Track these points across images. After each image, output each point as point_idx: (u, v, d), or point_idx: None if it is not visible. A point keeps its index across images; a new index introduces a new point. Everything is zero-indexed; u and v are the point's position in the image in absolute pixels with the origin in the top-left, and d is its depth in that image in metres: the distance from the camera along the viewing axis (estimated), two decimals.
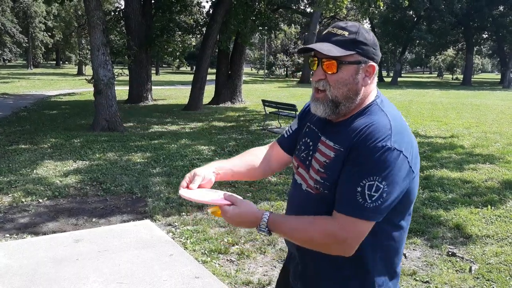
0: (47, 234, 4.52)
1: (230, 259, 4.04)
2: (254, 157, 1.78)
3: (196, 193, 1.51)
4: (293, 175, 1.61)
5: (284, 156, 1.75)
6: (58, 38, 52.55)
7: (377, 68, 1.44)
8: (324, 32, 1.45)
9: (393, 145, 1.29)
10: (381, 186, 1.27)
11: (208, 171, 1.61)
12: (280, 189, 6.11)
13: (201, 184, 1.56)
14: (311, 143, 1.53)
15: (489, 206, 5.53)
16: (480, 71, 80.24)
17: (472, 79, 48.14)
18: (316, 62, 1.43)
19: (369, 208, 1.29)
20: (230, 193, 1.49)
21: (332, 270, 1.47)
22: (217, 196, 1.49)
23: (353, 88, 1.41)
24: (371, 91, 1.46)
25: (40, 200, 5.53)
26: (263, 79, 46.68)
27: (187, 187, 1.54)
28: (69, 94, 22.67)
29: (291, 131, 1.72)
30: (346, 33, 1.39)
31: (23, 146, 8.70)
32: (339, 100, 1.42)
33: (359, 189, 1.29)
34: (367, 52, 1.40)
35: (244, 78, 22.81)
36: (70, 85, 29.02)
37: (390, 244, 1.45)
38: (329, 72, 1.41)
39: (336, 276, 1.47)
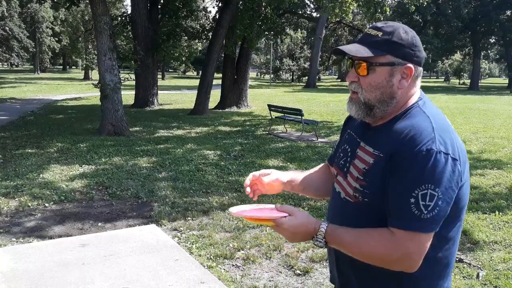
0: (53, 238, 4.53)
1: (236, 264, 4.02)
2: (321, 179, 1.70)
3: (248, 210, 1.46)
4: (332, 184, 1.55)
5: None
6: (65, 43, 52.84)
7: (416, 69, 1.36)
8: (363, 33, 1.39)
9: (439, 147, 1.21)
10: (435, 193, 1.20)
11: (284, 178, 1.61)
12: (286, 194, 6.09)
13: (269, 182, 1.58)
14: (349, 149, 1.46)
15: (496, 212, 5.49)
16: (487, 76, 79.85)
17: (479, 84, 47.92)
18: (350, 63, 1.39)
19: (427, 219, 1.21)
20: (283, 204, 1.43)
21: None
22: (268, 209, 1.43)
23: (387, 91, 1.34)
24: (413, 94, 1.38)
25: (47, 205, 5.54)
26: (269, 83, 46.73)
27: (258, 180, 1.54)
28: (75, 98, 22.80)
29: (335, 146, 1.65)
30: (380, 34, 1.33)
31: (29, 150, 8.75)
32: (373, 103, 1.35)
33: (412, 200, 1.20)
34: (402, 53, 1.32)
35: (250, 82, 22.84)
36: (76, 90, 29.18)
37: (439, 257, 1.35)
38: (361, 74, 1.35)
39: None
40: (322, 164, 1.79)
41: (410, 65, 1.33)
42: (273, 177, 1.58)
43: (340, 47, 1.37)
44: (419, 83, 1.40)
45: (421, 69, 1.38)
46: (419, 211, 1.20)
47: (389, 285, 1.38)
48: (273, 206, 1.45)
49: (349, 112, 1.44)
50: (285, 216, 1.36)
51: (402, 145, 1.25)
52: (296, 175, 1.68)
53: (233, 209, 1.46)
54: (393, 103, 1.35)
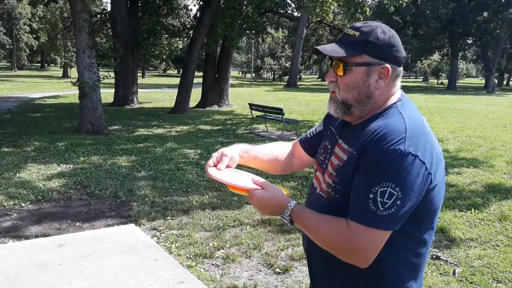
0: (30, 238, 4.45)
1: (215, 264, 4.01)
2: (279, 150, 1.76)
3: (225, 174, 1.48)
4: (313, 178, 1.58)
5: (305, 156, 1.71)
6: (43, 40, 52.01)
7: (395, 69, 1.35)
8: (342, 33, 1.40)
9: (407, 149, 1.20)
10: (395, 192, 1.19)
11: (235, 152, 1.60)
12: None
13: (227, 164, 1.55)
14: (329, 146, 1.47)
15: (473, 210, 5.59)
16: (464, 76, 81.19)
17: (457, 84, 48.74)
18: (330, 63, 1.40)
19: (381, 216, 1.21)
20: (259, 177, 1.46)
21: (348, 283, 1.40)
22: (245, 179, 1.47)
23: (364, 91, 1.34)
24: (392, 94, 1.38)
25: (23, 204, 5.45)
26: (250, 82, 46.73)
27: (215, 167, 1.51)
28: (53, 96, 22.46)
29: (314, 132, 1.68)
30: (357, 34, 1.33)
31: (5, 149, 8.58)
32: (350, 103, 1.36)
33: (371, 195, 1.21)
34: (379, 53, 1.32)
35: (231, 81, 22.81)
36: (55, 88, 28.75)
37: (409, 259, 1.35)
38: (338, 74, 1.36)
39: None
40: (288, 142, 1.82)
41: (387, 65, 1.33)
42: (227, 160, 1.57)
43: (318, 47, 1.37)
44: (398, 83, 1.40)
45: (400, 69, 1.38)
46: (375, 207, 1.21)
47: (358, 285, 1.38)
48: (251, 175, 1.49)
49: (329, 111, 1.45)
50: (258, 189, 1.40)
51: (371, 143, 1.25)
52: (247, 148, 1.69)
53: (212, 171, 1.49)
54: (370, 103, 1.35)
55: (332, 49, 1.35)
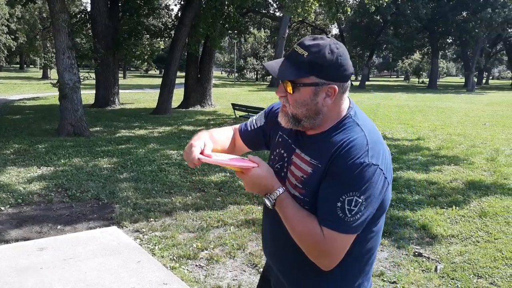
0: (10, 242, 4.37)
1: (199, 265, 4.00)
2: (227, 136, 1.78)
3: (218, 157, 1.51)
4: None
5: (244, 146, 1.77)
6: (22, 41, 51.14)
7: (342, 86, 1.39)
8: (291, 48, 1.41)
9: (370, 161, 1.31)
10: (360, 200, 1.30)
11: (209, 141, 1.59)
12: (250, 193, 6.09)
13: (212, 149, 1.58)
14: (285, 155, 1.52)
15: (453, 207, 5.66)
16: (445, 75, 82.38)
17: (437, 83, 49.40)
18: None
19: (349, 222, 1.31)
20: (255, 156, 1.50)
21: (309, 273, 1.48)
22: (240, 160, 1.51)
23: (312, 109, 1.39)
24: (341, 106, 1.42)
25: (2, 208, 5.35)
26: (233, 82, 46.68)
27: (202, 153, 1.50)
28: (33, 98, 22.12)
29: (255, 126, 1.72)
30: (306, 54, 1.35)
31: None
32: (300, 117, 1.42)
33: (339, 204, 1.31)
34: (326, 75, 1.36)
35: (214, 81, 22.75)
36: (34, 89, 28.33)
37: (365, 248, 1.47)
38: (288, 91, 1.40)
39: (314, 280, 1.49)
40: (231, 127, 1.83)
41: (333, 85, 1.37)
42: (211, 146, 1.56)
43: (267, 65, 1.41)
44: (346, 95, 1.44)
45: (348, 83, 1.42)
46: (343, 214, 1.31)
47: (307, 275, 1.48)
48: (239, 158, 1.55)
49: (281, 123, 1.49)
50: (255, 166, 1.46)
51: (338, 157, 1.34)
52: (208, 136, 1.66)
53: (205, 158, 1.47)
54: (319, 118, 1.41)
55: (281, 70, 1.38)
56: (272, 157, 1.60)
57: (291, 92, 1.39)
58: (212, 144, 1.58)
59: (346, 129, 1.39)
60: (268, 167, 1.48)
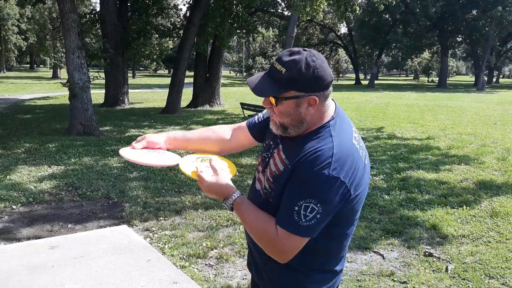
0: (22, 241, 4.42)
1: (209, 264, 4.01)
2: (211, 132, 1.91)
3: (137, 154, 1.65)
4: (255, 171, 1.73)
5: (250, 139, 1.85)
6: (32, 41, 51.56)
7: (323, 94, 1.46)
8: (271, 63, 1.49)
9: (331, 173, 1.38)
10: (316, 208, 1.39)
11: (160, 138, 1.82)
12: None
13: (146, 146, 1.76)
14: (272, 146, 1.62)
15: (464, 207, 5.62)
16: (455, 74, 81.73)
17: (447, 82, 49.00)
18: None
19: (303, 226, 1.41)
20: (216, 164, 1.64)
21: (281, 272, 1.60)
22: (169, 158, 1.66)
23: (296, 118, 1.48)
24: (324, 112, 1.50)
25: (14, 207, 5.40)
26: (241, 82, 46.69)
27: (133, 147, 1.70)
28: (43, 98, 22.29)
29: (262, 118, 1.81)
30: (283, 70, 1.42)
31: None
32: (286, 126, 1.51)
33: (296, 208, 1.40)
34: (304, 88, 1.43)
35: (222, 81, 22.78)
36: (44, 89, 28.53)
37: (330, 247, 1.59)
38: (272, 103, 1.49)
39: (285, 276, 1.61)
40: (227, 126, 1.95)
41: (313, 96, 1.45)
42: (144, 143, 1.79)
43: (249, 82, 1.50)
44: (329, 101, 1.52)
45: (328, 90, 1.48)
46: (298, 218, 1.41)
47: (281, 271, 1.59)
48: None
49: (272, 129, 1.59)
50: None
51: (302, 162, 1.43)
52: (177, 134, 1.90)
53: (123, 152, 1.68)
54: (304, 126, 1.50)
55: (262, 88, 1.47)
56: (264, 145, 1.70)
57: (275, 105, 1.49)
58: (160, 143, 1.80)
59: (319, 138, 1.47)
60: (223, 176, 1.59)
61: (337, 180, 1.39)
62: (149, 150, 1.71)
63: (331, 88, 1.50)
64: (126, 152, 1.63)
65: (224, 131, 1.91)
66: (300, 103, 1.45)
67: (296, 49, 1.47)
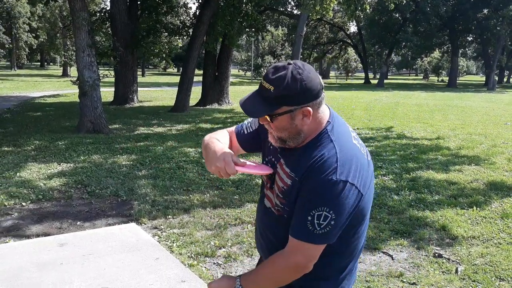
0: (31, 238, 4.44)
1: (217, 262, 4.00)
2: (227, 140, 1.83)
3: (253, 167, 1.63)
4: (262, 187, 1.75)
5: (240, 148, 1.83)
6: (42, 39, 51.91)
7: (314, 104, 1.46)
8: (260, 82, 1.49)
9: (339, 177, 1.40)
10: (329, 215, 1.40)
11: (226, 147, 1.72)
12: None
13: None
14: (275, 162, 1.62)
15: (474, 207, 5.57)
16: (465, 73, 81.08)
17: (457, 81, 48.64)
18: None
19: (318, 235, 1.42)
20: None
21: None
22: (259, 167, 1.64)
23: (293, 131, 1.49)
24: (319, 120, 1.51)
25: (24, 204, 5.43)
26: (250, 80, 46.69)
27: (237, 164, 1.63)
28: (53, 95, 22.43)
29: (251, 129, 1.79)
30: (272, 88, 1.43)
31: (6, 148, 8.57)
32: (284, 139, 1.52)
33: (309, 218, 1.41)
34: (295, 102, 1.44)
35: (231, 79, 22.79)
36: (54, 87, 28.72)
37: (344, 250, 1.59)
38: (268, 120, 1.50)
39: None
40: (225, 131, 1.87)
41: (306, 107, 1.45)
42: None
43: (241, 105, 1.51)
44: (323, 107, 1.52)
45: (320, 98, 1.48)
46: (313, 227, 1.41)
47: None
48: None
49: (271, 142, 1.60)
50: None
51: (310, 172, 1.44)
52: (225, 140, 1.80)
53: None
54: (301, 137, 1.51)
55: (254, 110, 1.48)
56: (264, 163, 1.69)
57: (271, 122, 1.50)
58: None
59: (321, 145, 1.48)
60: (224, 279, 1.63)
61: (346, 183, 1.40)
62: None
63: (323, 95, 1.50)
64: (256, 169, 1.63)
65: (224, 140, 1.81)
66: (294, 116, 1.46)
67: (280, 64, 1.47)
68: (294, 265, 1.48)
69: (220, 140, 1.73)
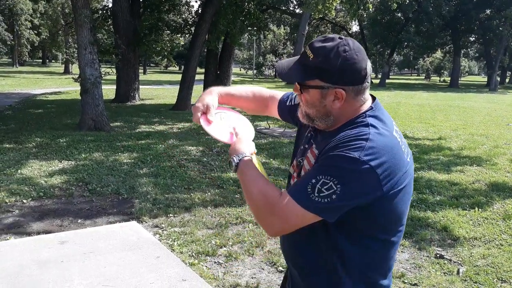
0: (32, 235, 4.44)
1: (218, 262, 3.99)
2: (251, 95, 1.85)
3: (213, 128, 1.64)
4: (289, 179, 1.61)
5: (276, 112, 1.80)
6: (44, 36, 51.92)
7: (351, 90, 1.35)
8: (303, 49, 1.40)
9: (362, 157, 1.24)
10: (334, 188, 1.25)
11: (215, 99, 1.72)
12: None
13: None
14: (307, 148, 1.50)
15: (476, 208, 5.55)
16: (467, 74, 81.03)
17: (459, 82, 48.59)
18: None
19: (313, 201, 1.27)
20: (241, 129, 1.66)
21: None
22: (226, 128, 1.67)
23: (322, 111, 1.39)
24: (355, 108, 1.38)
25: (25, 201, 5.43)
26: (252, 79, 46.66)
27: (205, 116, 1.65)
28: (55, 93, 22.43)
29: (292, 103, 1.72)
30: (311, 56, 1.34)
31: (7, 145, 8.56)
32: (312, 117, 1.43)
33: (313, 180, 1.27)
34: (330, 79, 1.33)
35: (232, 78, 22.77)
36: (56, 84, 28.72)
37: (376, 260, 1.42)
38: (299, 90, 1.42)
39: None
40: (266, 91, 1.86)
41: (339, 89, 1.34)
42: (214, 110, 1.71)
43: (279, 64, 1.43)
44: (364, 97, 1.39)
45: (363, 85, 1.36)
46: (312, 191, 1.27)
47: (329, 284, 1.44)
48: (233, 127, 1.68)
49: (299, 116, 1.50)
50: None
51: (334, 145, 1.30)
52: (223, 90, 1.80)
53: (203, 123, 1.64)
54: (330, 119, 1.40)
55: (289, 72, 1.40)
56: (299, 150, 1.57)
57: (301, 93, 1.41)
58: (217, 105, 1.71)
59: (354, 127, 1.34)
60: (245, 139, 1.57)
61: (367, 166, 1.24)
62: (220, 114, 1.72)
63: (366, 84, 1.37)
64: (211, 130, 1.64)
65: (261, 97, 1.84)
66: (325, 95, 1.35)
67: (331, 35, 1.37)
68: (269, 212, 1.34)
69: (232, 92, 1.79)
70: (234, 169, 1.47)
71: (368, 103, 1.40)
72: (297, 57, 1.42)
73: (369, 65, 1.37)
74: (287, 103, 1.75)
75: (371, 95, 1.43)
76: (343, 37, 1.35)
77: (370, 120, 1.35)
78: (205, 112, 1.65)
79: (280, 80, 48.29)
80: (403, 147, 1.37)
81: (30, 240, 4.26)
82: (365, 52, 1.37)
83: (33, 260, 3.78)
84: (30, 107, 15.90)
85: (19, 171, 6.67)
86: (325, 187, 1.25)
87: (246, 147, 1.52)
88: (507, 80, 62.48)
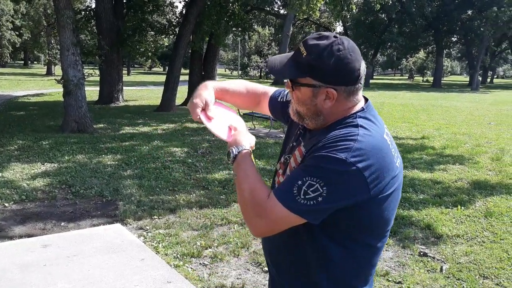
0: (14, 239, 4.37)
1: (203, 263, 3.98)
2: (245, 91, 1.82)
3: (214, 125, 1.61)
4: (274, 177, 1.60)
5: (267, 110, 1.79)
6: (26, 37, 51.19)
7: (342, 90, 1.32)
8: (297, 45, 1.38)
9: (349, 159, 1.22)
10: (320, 190, 1.23)
11: (212, 95, 1.66)
12: None
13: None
14: (295, 146, 1.48)
15: (459, 206, 5.62)
16: (449, 74, 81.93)
17: (442, 82, 49.15)
18: None
19: (298, 203, 1.25)
20: (237, 124, 1.65)
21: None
22: (224, 125, 1.64)
23: (312, 109, 1.36)
24: (346, 110, 1.36)
25: (6, 204, 5.35)
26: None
27: (205, 113, 1.60)
28: (37, 94, 22.15)
29: (284, 100, 1.70)
30: (305, 53, 1.31)
31: None
32: (302, 115, 1.40)
33: (299, 182, 1.25)
34: (322, 78, 1.31)
35: (217, 79, 22.72)
36: (38, 86, 28.36)
37: (361, 264, 1.41)
38: (291, 87, 1.40)
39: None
40: (257, 87, 1.84)
41: (330, 89, 1.31)
42: (212, 106, 1.65)
43: (270, 60, 1.41)
44: (356, 97, 1.36)
45: (355, 86, 1.34)
46: (297, 193, 1.25)
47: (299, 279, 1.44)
48: (231, 119, 1.68)
49: (290, 113, 1.48)
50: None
51: (320, 146, 1.28)
52: (219, 85, 1.77)
53: (204, 119, 1.59)
54: (320, 119, 1.37)
55: (281, 68, 1.38)
56: (287, 148, 1.55)
57: (292, 90, 1.39)
58: (214, 100, 1.65)
59: (343, 127, 1.32)
60: (244, 133, 1.55)
61: (354, 168, 1.22)
62: (218, 111, 1.69)
63: (359, 85, 1.34)
64: (213, 126, 1.60)
65: (255, 93, 1.82)
66: (316, 94, 1.33)
67: (326, 33, 1.34)
68: (256, 213, 1.32)
69: (227, 87, 1.76)
70: (232, 160, 1.45)
71: (360, 104, 1.38)
72: (290, 53, 1.41)
73: (363, 66, 1.34)
74: (279, 99, 1.73)
75: (364, 96, 1.41)
76: (338, 35, 1.33)
77: (360, 121, 1.32)
78: (204, 109, 1.60)
79: (266, 80, 48.41)
80: (393, 151, 1.34)
81: (12, 244, 4.20)
82: (360, 52, 1.35)
83: (15, 264, 3.73)
84: (11, 109, 15.68)
85: (0, 174, 6.57)
86: (311, 189, 1.23)
87: (247, 140, 1.50)
88: (488, 80, 63.40)
